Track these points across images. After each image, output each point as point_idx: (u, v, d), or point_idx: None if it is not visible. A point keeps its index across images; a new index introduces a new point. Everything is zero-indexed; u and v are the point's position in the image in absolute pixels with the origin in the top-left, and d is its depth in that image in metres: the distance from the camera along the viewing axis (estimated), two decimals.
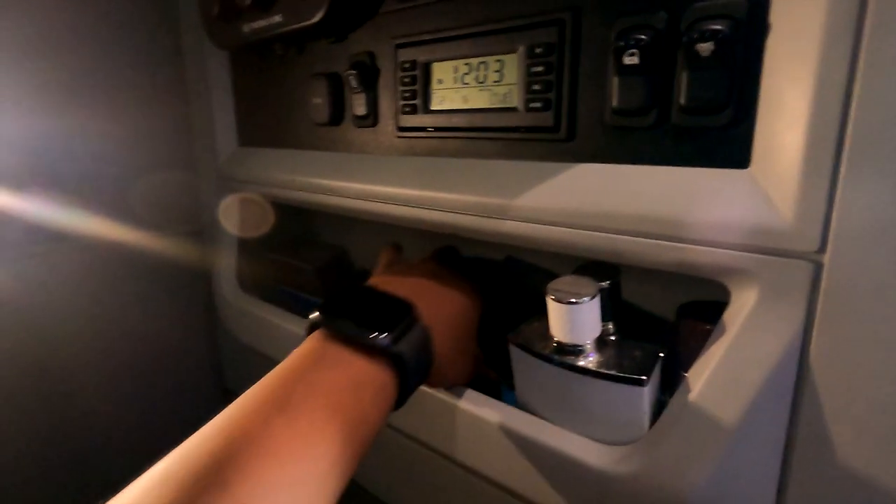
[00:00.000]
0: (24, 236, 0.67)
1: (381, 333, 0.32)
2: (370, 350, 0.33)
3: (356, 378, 0.32)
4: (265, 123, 0.67)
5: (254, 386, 0.30)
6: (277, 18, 0.52)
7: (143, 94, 0.74)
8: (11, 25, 0.63)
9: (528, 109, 0.39)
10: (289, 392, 0.29)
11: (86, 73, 0.69)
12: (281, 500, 0.25)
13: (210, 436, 0.27)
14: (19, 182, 0.66)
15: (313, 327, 0.35)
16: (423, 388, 0.44)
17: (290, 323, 0.61)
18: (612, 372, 0.34)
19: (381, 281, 0.41)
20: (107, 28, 0.70)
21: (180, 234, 0.79)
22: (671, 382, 0.37)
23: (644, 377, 0.33)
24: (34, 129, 0.67)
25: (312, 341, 0.34)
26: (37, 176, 0.67)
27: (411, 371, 0.34)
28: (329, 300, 0.35)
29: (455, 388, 0.43)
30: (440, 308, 0.39)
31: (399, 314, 0.35)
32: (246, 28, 0.56)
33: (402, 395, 0.34)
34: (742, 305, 0.31)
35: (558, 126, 0.38)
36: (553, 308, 0.35)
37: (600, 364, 0.35)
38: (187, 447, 0.26)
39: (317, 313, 0.35)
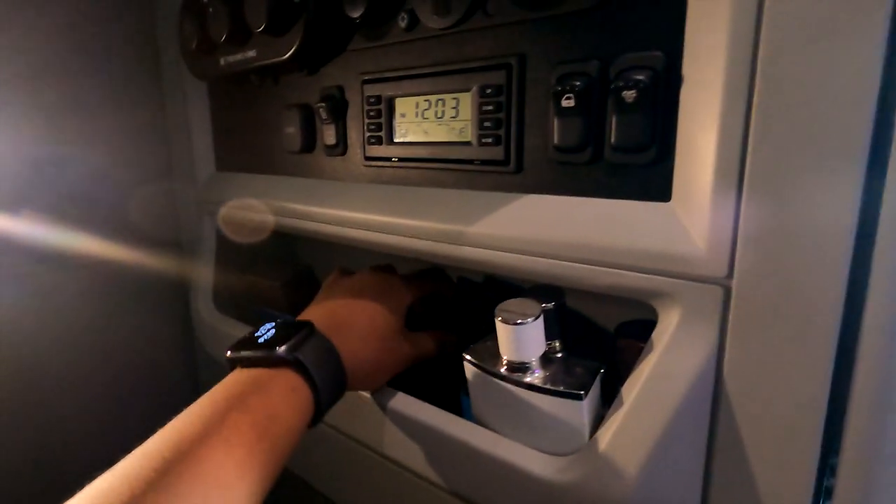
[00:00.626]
0: (5, 257, 0.68)
1: (279, 347, 0.37)
2: (274, 363, 0.37)
3: (265, 388, 0.36)
4: (241, 149, 0.70)
5: (180, 415, 0.34)
6: (252, 53, 0.55)
7: (123, 118, 0.76)
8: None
9: (481, 144, 0.43)
10: (210, 416, 0.33)
11: (68, 99, 0.71)
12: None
13: (147, 455, 0.29)
14: (3, 203, 0.68)
15: (231, 364, 0.39)
16: (389, 403, 0.46)
17: None
18: (554, 387, 0.37)
19: (303, 313, 0.46)
20: (89, 55, 0.72)
21: (159, 252, 0.81)
22: (613, 396, 0.40)
23: (582, 392, 0.36)
24: (18, 153, 0.69)
25: (232, 374, 0.38)
26: (19, 198, 0.69)
27: (317, 372, 0.38)
28: (239, 339, 0.40)
29: (414, 403, 0.46)
30: (351, 322, 0.44)
31: (296, 331, 0.39)
32: (222, 61, 0.59)
33: (321, 398, 0.38)
34: (667, 326, 0.34)
35: (508, 160, 0.42)
36: (500, 328, 0.38)
37: (544, 380, 0.38)
38: (112, 479, 0.28)
39: (229, 352, 0.39)
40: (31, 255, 0.70)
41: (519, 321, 0.37)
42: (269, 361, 0.37)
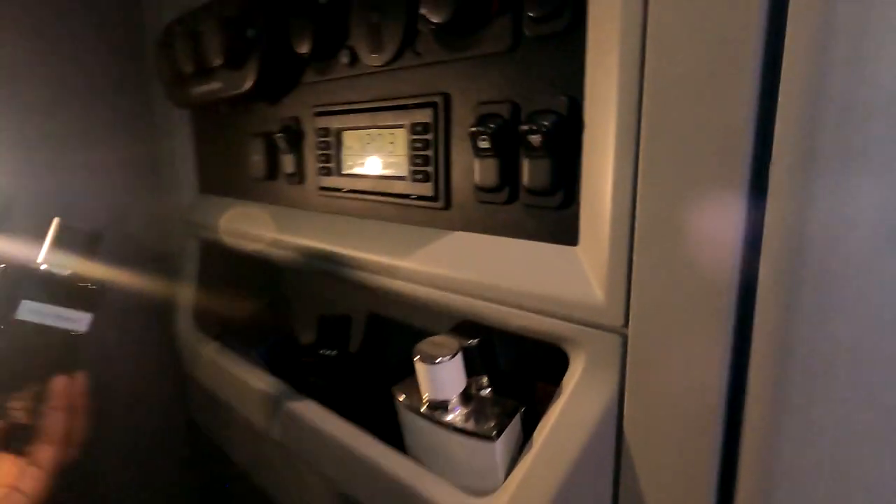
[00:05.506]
0: None
1: None
2: None
3: None
4: (220, 174, 0.72)
5: None
6: (217, 85, 0.57)
7: (117, 142, 0.80)
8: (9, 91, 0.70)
9: (414, 179, 0.43)
10: None
11: (69, 126, 0.75)
12: None
13: None
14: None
15: None
16: (334, 431, 0.47)
17: (236, 367, 0.64)
18: (469, 428, 0.37)
19: None
20: (87, 86, 0.76)
21: (151, 272, 0.84)
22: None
23: (495, 433, 0.36)
24: (16, 178, 0.73)
25: None
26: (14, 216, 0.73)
27: None
28: None
29: (357, 434, 0.47)
30: None
31: None
32: (194, 91, 0.61)
33: None
34: (574, 371, 0.34)
35: (437, 196, 0.42)
36: (418, 367, 0.38)
37: (462, 419, 0.38)
38: None
39: None
40: None
41: (437, 360, 0.38)
42: None
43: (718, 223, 0.27)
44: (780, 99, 0.24)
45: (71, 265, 0.42)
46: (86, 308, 0.42)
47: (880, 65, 0.23)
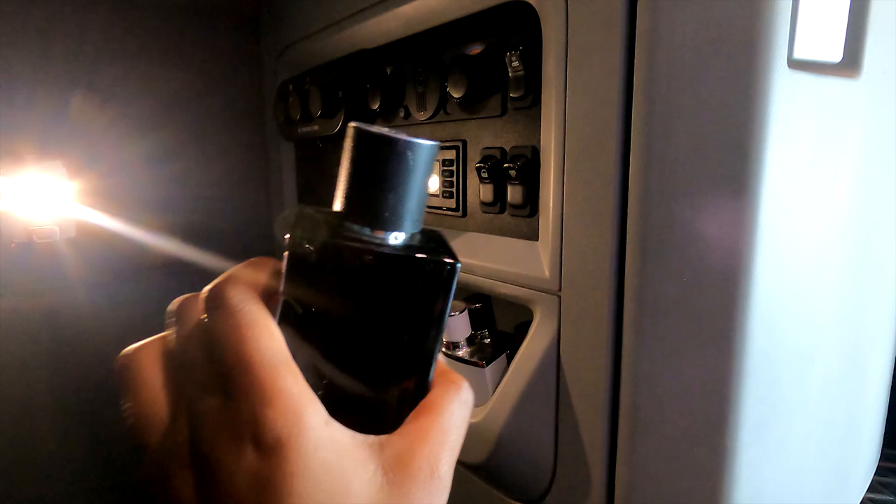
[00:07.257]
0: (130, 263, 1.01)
1: None
2: None
3: None
4: (316, 191, 0.96)
5: None
6: (315, 127, 0.81)
7: (238, 168, 1.07)
8: (180, 122, 0.99)
9: (444, 196, 0.64)
10: None
11: (207, 152, 1.03)
12: None
13: None
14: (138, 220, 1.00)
15: None
16: None
17: None
18: (467, 359, 0.57)
19: None
20: (222, 122, 1.04)
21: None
22: None
23: (484, 363, 0.56)
24: (160, 186, 1.01)
25: None
26: (152, 221, 1.01)
27: None
28: None
29: None
30: None
31: None
32: (299, 130, 0.86)
33: None
34: (534, 322, 0.53)
35: (458, 208, 0.62)
36: None
37: (466, 354, 0.58)
38: None
39: None
40: (151, 264, 1.01)
41: (451, 314, 0.58)
42: None
43: (601, 231, 0.45)
44: (631, 168, 0.42)
45: None
46: None
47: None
